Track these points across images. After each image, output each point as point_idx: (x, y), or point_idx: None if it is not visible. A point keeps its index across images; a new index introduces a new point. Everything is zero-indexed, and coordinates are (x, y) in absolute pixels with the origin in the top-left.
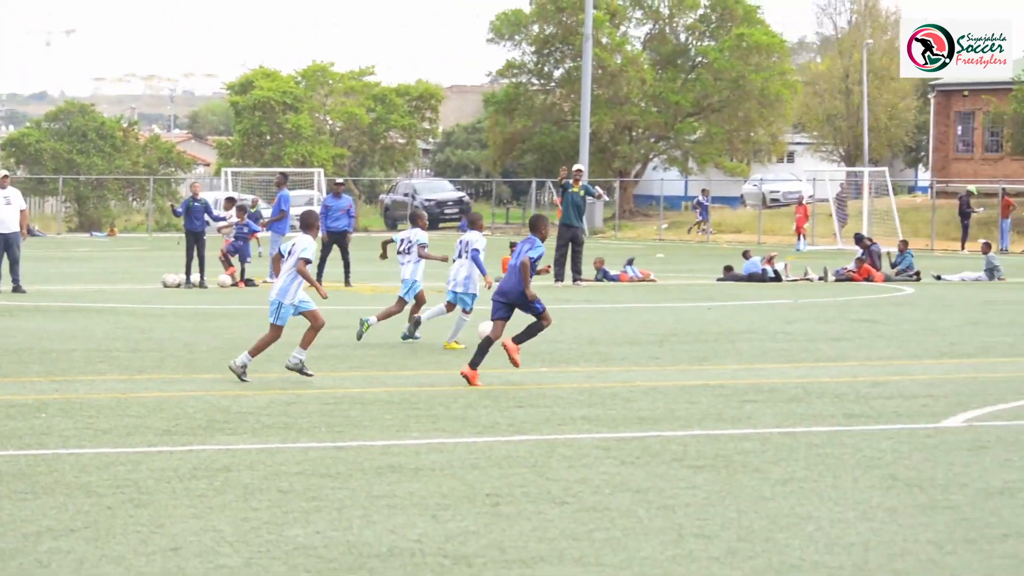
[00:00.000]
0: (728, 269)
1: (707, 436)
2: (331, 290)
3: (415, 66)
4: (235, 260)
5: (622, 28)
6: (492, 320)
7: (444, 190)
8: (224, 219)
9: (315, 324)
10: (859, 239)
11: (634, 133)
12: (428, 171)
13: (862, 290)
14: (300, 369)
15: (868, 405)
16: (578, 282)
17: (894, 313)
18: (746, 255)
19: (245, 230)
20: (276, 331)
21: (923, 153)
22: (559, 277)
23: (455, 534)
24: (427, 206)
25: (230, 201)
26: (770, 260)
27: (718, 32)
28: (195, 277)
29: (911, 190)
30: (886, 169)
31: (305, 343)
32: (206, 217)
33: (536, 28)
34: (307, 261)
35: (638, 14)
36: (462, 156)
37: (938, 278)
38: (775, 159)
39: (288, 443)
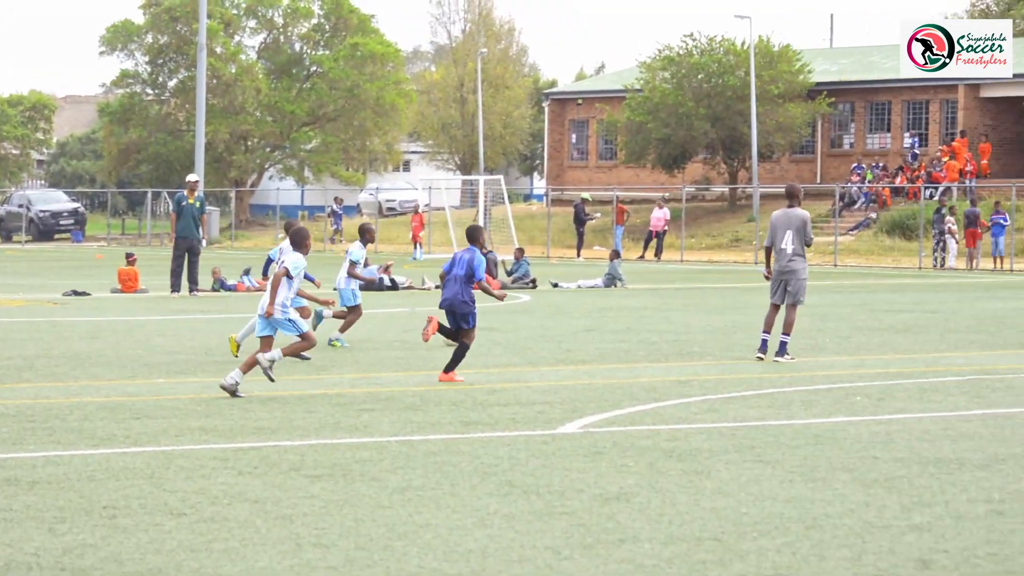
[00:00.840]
0: None
1: (325, 445)
2: None
3: (27, 76)
4: None
5: (236, 37)
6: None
7: (59, 201)
8: None
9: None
10: None
11: (249, 143)
12: (42, 182)
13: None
14: (270, 363)
15: (485, 412)
16: (195, 292)
17: (511, 320)
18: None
19: None
20: (307, 338)
21: (538, 161)
22: (175, 288)
23: (72, 547)
24: (42, 217)
25: None
26: (387, 269)
27: (333, 41)
28: None
29: (527, 198)
30: (501, 177)
31: (289, 350)
32: None
33: (150, 38)
34: (287, 273)
35: (252, 23)
36: (77, 167)
37: (555, 285)
38: (391, 168)
39: None
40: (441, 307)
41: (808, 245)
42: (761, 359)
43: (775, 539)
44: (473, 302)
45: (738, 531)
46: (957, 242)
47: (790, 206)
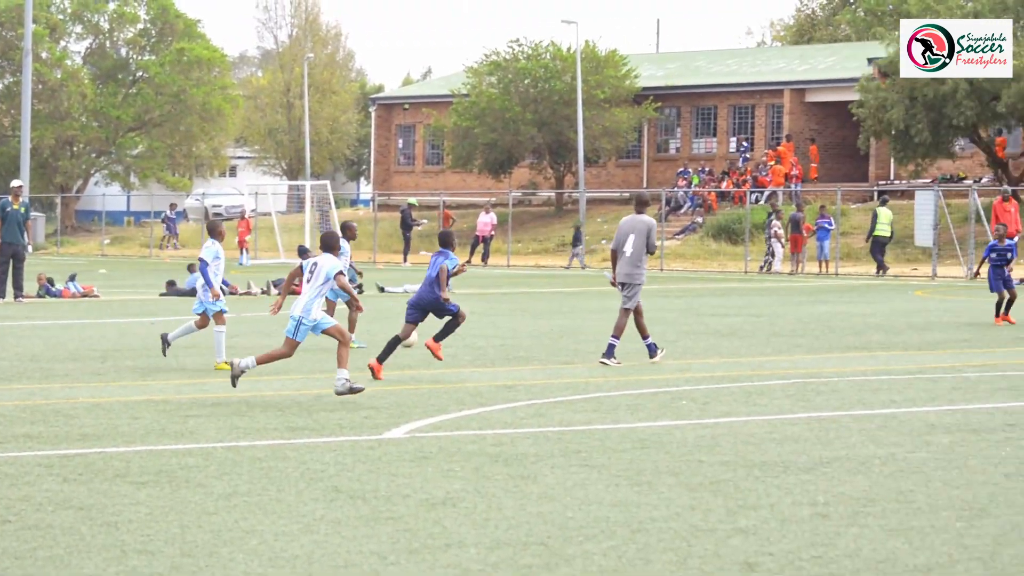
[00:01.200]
0: (171, 284)
1: (150, 451)
2: None
3: None
4: None
5: (62, 43)
6: (406, 323)
7: None
8: None
9: (343, 341)
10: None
11: (75, 148)
12: None
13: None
14: (350, 390)
15: (312, 418)
16: (20, 299)
17: None
18: (190, 269)
19: None
20: (291, 346)
21: (365, 166)
22: (0, 294)
23: None
24: None
25: None
26: None
27: (159, 46)
28: None
29: (354, 203)
30: (328, 183)
31: (342, 362)
32: None
33: None
34: (341, 274)
35: (78, 28)
36: None
37: (381, 290)
38: (217, 173)
39: None
40: (409, 303)
41: (651, 252)
42: (656, 362)
43: (601, 543)
44: (438, 299)
45: (564, 535)
46: (783, 246)
47: (638, 212)
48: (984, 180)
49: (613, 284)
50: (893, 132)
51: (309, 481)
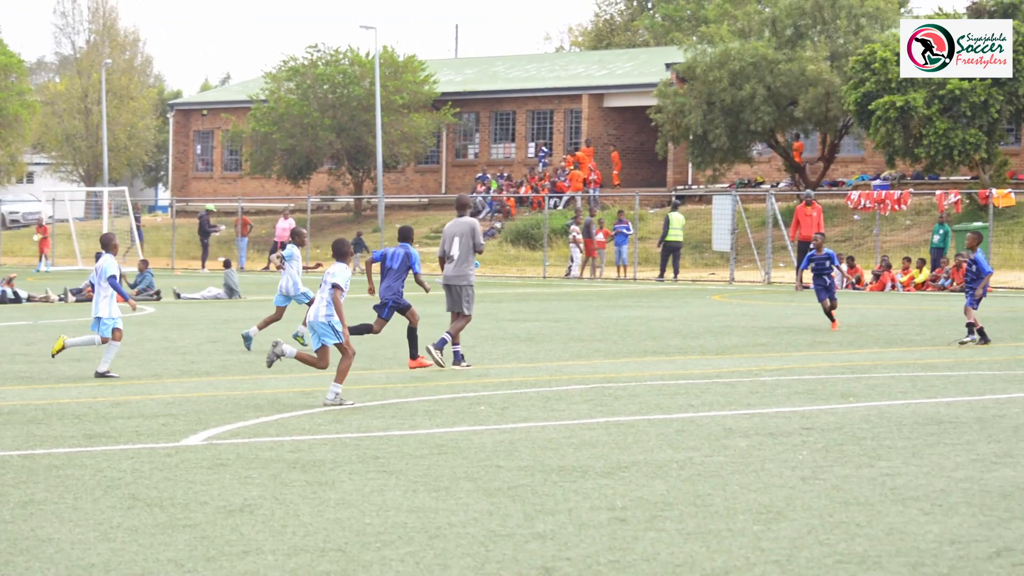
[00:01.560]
0: None
1: None
2: None
3: None
4: None
5: None
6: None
7: None
8: None
9: (314, 363)
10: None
11: None
12: None
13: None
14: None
15: (109, 425)
16: None
17: (135, 332)
18: None
19: None
20: (323, 356)
21: (163, 172)
22: None
23: None
24: None
25: None
26: (9, 281)
27: None
28: None
29: (152, 209)
30: (126, 188)
31: (305, 358)
32: None
33: None
34: (339, 288)
35: None
36: None
37: (178, 296)
38: (14, 180)
39: None
40: (382, 298)
41: (478, 252)
42: (457, 370)
43: (399, 549)
44: (402, 291)
45: (362, 541)
46: (581, 251)
47: (460, 215)
48: (781, 184)
49: (427, 289)
50: (691, 137)
51: (106, 489)
